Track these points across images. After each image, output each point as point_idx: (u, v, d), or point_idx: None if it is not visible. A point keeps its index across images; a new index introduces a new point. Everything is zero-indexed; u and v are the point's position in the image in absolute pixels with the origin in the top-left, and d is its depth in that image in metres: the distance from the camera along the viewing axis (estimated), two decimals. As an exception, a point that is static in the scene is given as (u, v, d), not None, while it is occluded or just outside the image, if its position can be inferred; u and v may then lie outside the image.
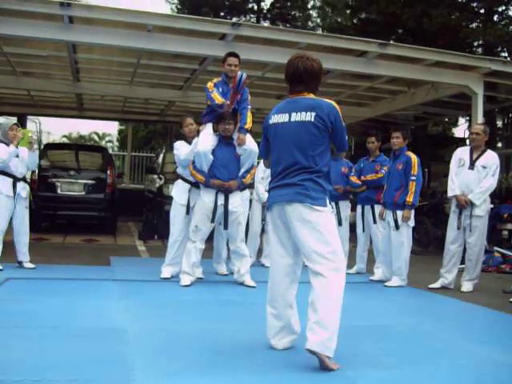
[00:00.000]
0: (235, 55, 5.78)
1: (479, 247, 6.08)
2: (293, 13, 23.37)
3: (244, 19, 22.31)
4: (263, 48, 8.32)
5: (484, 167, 5.98)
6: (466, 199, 5.96)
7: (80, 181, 10.01)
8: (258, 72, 9.77)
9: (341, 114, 3.32)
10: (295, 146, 3.30)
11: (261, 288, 4.57)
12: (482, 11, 16.20)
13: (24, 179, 6.23)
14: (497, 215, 9.08)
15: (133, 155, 17.56)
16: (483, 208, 6.01)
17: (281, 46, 8.17)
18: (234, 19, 19.79)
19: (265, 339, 3.50)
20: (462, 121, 20.16)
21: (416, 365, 3.35)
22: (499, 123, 19.04)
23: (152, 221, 10.09)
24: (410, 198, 6.03)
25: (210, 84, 5.72)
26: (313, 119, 3.26)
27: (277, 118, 3.42)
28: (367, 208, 6.88)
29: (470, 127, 12.52)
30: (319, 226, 3.21)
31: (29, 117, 16.25)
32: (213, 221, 5.62)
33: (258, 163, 6.40)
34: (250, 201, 6.82)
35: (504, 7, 16.16)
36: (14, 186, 6.00)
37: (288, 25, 21.62)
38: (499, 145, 17.38)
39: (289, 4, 23.10)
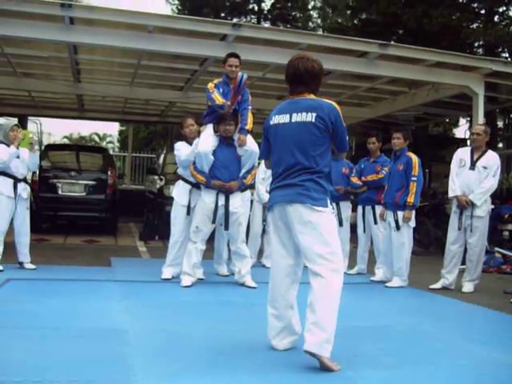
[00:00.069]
0: (236, 56, 5.78)
1: (480, 248, 6.08)
2: (293, 13, 23.38)
3: (245, 20, 22.31)
4: (264, 49, 8.32)
5: (485, 168, 5.98)
6: (467, 200, 5.96)
7: (81, 182, 10.01)
8: (258, 73, 9.77)
9: (341, 114, 3.33)
10: (296, 146, 3.30)
11: (261, 289, 4.57)
12: (483, 12, 16.19)
13: (25, 180, 6.24)
14: (498, 216, 9.08)
15: (133, 156, 17.58)
16: (484, 208, 6.01)
17: (281, 47, 8.18)
18: (235, 20, 19.80)
19: (265, 340, 3.51)
20: (462, 121, 20.18)
21: (416, 365, 3.35)
22: (500, 124, 19.04)
23: (153, 221, 10.09)
24: (410, 199, 6.03)
25: (210, 85, 5.73)
26: (313, 120, 3.26)
27: (277, 119, 3.42)
28: (368, 208, 6.88)
29: (470, 128, 12.53)
30: (320, 226, 3.21)
31: (29, 118, 16.28)
32: (213, 221, 5.62)
33: (259, 164, 6.40)
34: (251, 201, 6.82)
35: (505, 8, 16.16)
36: (15, 187, 6.01)
37: (288, 25, 21.63)
38: (500, 145, 17.37)
39: (289, 5, 23.10)
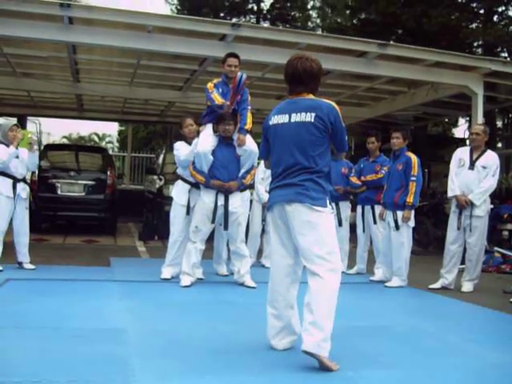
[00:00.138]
0: (235, 56, 5.78)
1: (479, 247, 6.08)
2: (292, 13, 23.37)
3: (244, 20, 22.31)
4: (263, 48, 8.32)
5: (484, 167, 5.98)
6: (466, 199, 5.96)
7: (80, 182, 10.01)
8: (257, 72, 9.77)
9: (340, 114, 3.33)
10: (295, 146, 3.31)
11: (261, 288, 4.57)
12: (482, 11, 16.20)
13: (24, 180, 6.23)
14: (497, 215, 9.08)
15: (133, 156, 17.58)
16: (483, 208, 6.01)
17: (281, 47, 8.17)
18: (234, 20, 19.78)
19: (265, 340, 3.51)
20: (461, 121, 20.18)
21: (416, 365, 3.35)
22: (499, 123, 19.04)
23: (152, 221, 10.08)
24: (410, 199, 6.03)
25: (209, 85, 5.73)
26: (313, 120, 3.26)
27: (277, 119, 3.42)
28: (367, 208, 6.88)
29: (469, 127, 12.52)
30: (318, 226, 3.22)
31: (29, 118, 16.28)
32: (213, 221, 5.62)
33: (259, 164, 6.40)
34: (251, 201, 6.82)
35: (504, 7, 16.17)
36: (14, 187, 6.00)
37: (288, 25, 21.60)
38: (499, 145, 17.37)
39: (288, 4, 23.10)
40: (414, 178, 6.06)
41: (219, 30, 7.92)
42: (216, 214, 5.58)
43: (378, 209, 6.63)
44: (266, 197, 6.00)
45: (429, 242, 9.80)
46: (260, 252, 7.36)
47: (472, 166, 6.02)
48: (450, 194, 6.17)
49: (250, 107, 5.83)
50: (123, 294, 5.09)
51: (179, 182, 5.99)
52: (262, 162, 3.97)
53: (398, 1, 15.60)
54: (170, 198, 6.12)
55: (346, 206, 7.12)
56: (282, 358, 3.31)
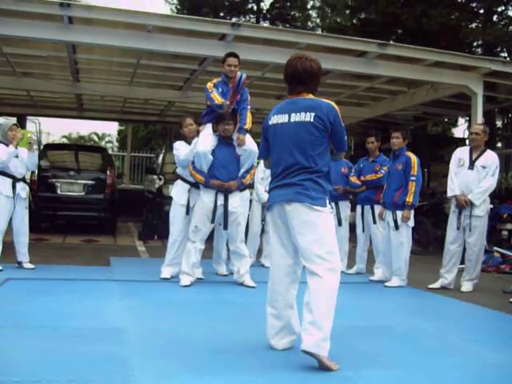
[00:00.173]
0: (235, 55, 5.78)
1: (479, 247, 6.08)
2: (292, 13, 23.37)
3: (244, 19, 22.30)
4: (263, 48, 8.32)
5: (484, 167, 5.98)
6: (466, 199, 5.96)
7: (80, 181, 10.01)
8: (257, 72, 9.77)
9: (340, 114, 3.33)
10: (295, 146, 3.31)
11: (261, 288, 4.57)
12: (482, 11, 16.19)
13: (23, 179, 6.23)
14: (496, 215, 9.08)
15: (132, 156, 17.56)
16: (483, 208, 6.01)
17: (280, 47, 8.17)
18: (234, 19, 19.76)
19: (265, 339, 3.51)
20: (461, 121, 20.18)
21: (416, 365, 3.35)
22: (499, 123, 19.03)
23: (152, 221, 10.08)
24: (409, 199, 6.03)
25: (209, 84, 5.73)
26: (312, 119, 3.26)
27: (276, 119, 3.43)
28: (367, 208, 6.88)
29: (469, 127, 12.51)
30: (318, 225, 3.22)
31: (28, 117, 16.26)
32: (212, 221, 5.62)
33: (258, 163, 6.40)
34: (250, 201, 6.82)
35: (503, 7, 16.16)
36: (14, 187, 6.00)
37: (287, 25, 21.61)
38: (499, 145, 17.37)
39: (288, 4, 23.10)
40: (413, 178, 6.07)
41: (219, 30, 7.92)
42: (216, 213, 5.58)
43: (377, 208, 6.62)
44: (265, 196, 6.01)
45: (428, 241, 9.80)
46: (260, 252, 7.37)
47: (472, 165, 6.03)
48: (449, 193, 6.17)
49: (249, 107, 5.83)
50: (123, 294, 5.09)
51: (179, 181, 5.99)
52: (262, 161, 3.97)
53: (398, 1, 15.60)
54: (170, 198, 6.12)
55: (345, 206, 7.12)
56: (281, 357, 3.31)
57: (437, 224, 9.70)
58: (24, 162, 6.13)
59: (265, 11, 23.17)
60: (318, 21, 25.03)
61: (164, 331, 3.84)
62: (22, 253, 6.16)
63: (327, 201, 3.29)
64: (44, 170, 9.88)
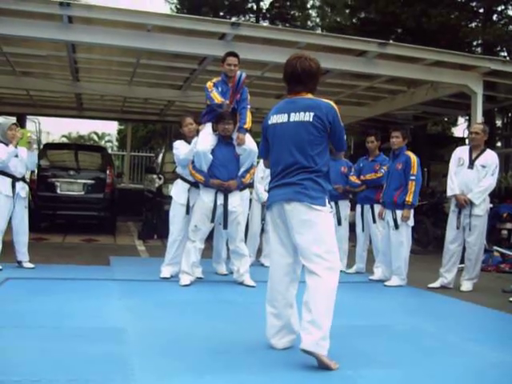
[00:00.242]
0: (234, 55, 5.78)
1: (478, 246, 6.08)
2: (292, 12, 23.37)
3: (243, 19, 22.30)
4: (262, 48, 8.31)
5: (483, 166, 5.98)
6: (466, 198, 5.96)
7: (79, 181, 10.01)
8: (257, 71, 9.76)
9: (339, 114, 3.34)
10: (294, 145, 3.31)
11: (260, 287, 4.57)
12: (482, 11, 16.19)
13: (23, 179, 6.23)
14: (496, 214, 9.08)
15: (132, 155, 17.55)
16: (482, 207, 6.01)
17: (280, 46, 8.17)
18: (234, 19, 19.77)
19: (265, 339, 3.51)
20: (461, 120, 20.18)
21: (415, 364, 3.35)
22: (498, 122, 19.02)
23: (151, 220, 10.08)
24: (409, 198, 6.03)
25: (209, 83, 5.73)
26: (311, 119, 3.27)
27: (276, 119, 3.43)
28: (367, 207, 6.88)
29: (469, 127, 12.51)
30: (317, 225, 3.22)
31: (28, 117, 16.27)
32: (212, 220, 5.62)
33: (258, 163, 6.40)
34: (250, 200, 6.83)
35: (503, 7, 16.15)
36: (13, 186, 6.00)
37: (287, 24, 21.60)
38: (498, 144, 17.37)
39: (288, 4, 23.09)
40: (413, 178, 6.06)
41: (219, 29, 7.92)
42: (215, 213, 5.58)
43: (377, 208, 6.62)
44: (265, 196, 6.01)
45: (428, 241, 9.81)
46: (259, 251, 7.36)
47: (471, 165, 6.02)
48: (449, 193, 6.17)
49: (249, 106, 5.84)
50: (123, 293, 5.09)
51: (178, 181, 5.99)
52: (262, 161, 3.97)
53: (398, 0, 15.59)
54: (170, 197, 6.12)
55: (345, 205, 7.12)
56: (281, 357, 3.31)
57: (436, 223, 9.70)
58: (24, 161, 6.13)
59: (264, 10, 23.17)
60: (317, 20, 25.04)
61: (164, 330, 3.84)
62: (22, 252, 6.16)
63: (326, 200, 3.30)
64: (44, 169, 9.87)
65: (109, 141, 36.48)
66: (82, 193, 10.01)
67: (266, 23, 21.98)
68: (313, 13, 25.27)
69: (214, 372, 3.02)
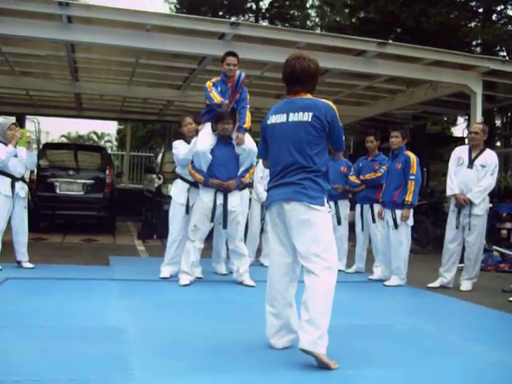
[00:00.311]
0: (234, 54, 5.78)
1: (478, 246, 6.08)
2: (291, 12, 23.37)
3: (243, 18, 22.31)
4: (262, 47, 8.31)
5: (483, 166, 5.98)
6: (465, 198, 5.97)
7: (79, 180, 10.01)
8: (256, 71, 9.76)
9: (338, 114, 3.34)
10: (293, 145, 3.32)
11: (260, 287, 4.57)
12: (481, 10, 16.20)
13: (23, 179, 6.22)
14: (496, 214, 9.09)
15: (132, 155, 17.55)
16: (482, 207, 6.02)
17: (279, 46, 8.17)
18: (233, 19, 19.78)
19: (264, 338, 3.51)
20: (460, 120, 20.20)
21: (415, 364, 3.35)
22: (498, 122, 19.04)
23: (151, 220, 10.09)
24: (408, 198, 6.03)
25: (208, 83, 5.73)
26: (310, 119, 3.28)
27: (275, 119, 3.44)
28: (366, 207, 6.88)
29: (468, 126, 12.53)
30: (316, 224, 3.23)
31: (27, 116, 16.26)
32: (212, 220, 5.62)
33: (257, 163, 6.40)
34: (250, 200, 6.83)
35: (503, 6, 16.16)
36: (13, 186, 6.00)
37: (287, 24, 21.60)
38: (498, 144, 17.39)
39: (287, 3, 23.10)
40: (412, 177, 6.07)
41: (218, 29, 7.92)
42: (215, 212, 5.58)
43: (376, 207, 6.62)
44: (264, 196, 5.99)
45: (428, 240, 9.81)
46: (259, 251, 7.36)
47: (471, 164, 6.02)
48: (448, 192, 6.17)
49: (248, 106, 5.84)
50: (122, 293, 5.09)
51: (178, 180, 5.99)
52: (261, 160, 3.98)
53: (397, 0, 15.60)
54: (169, 197, 6.12)
55: (344, 205, 7.13)
56: (281, 356, 3.31)
57: (436, 223, 9.71)
58: (23, 161, 6.13)
59: (264, 10, 23.18)
60: (317, 20, 25.06)
61: (163, 330, 3.84)
62: (22, 252, 6.15)
63: (325, 200, 3.31)
64: (43, 169, 9.87)
65: (108, 141, 36.50)
66: (82, 193, 10.01)
67: (265, 23, 21.98)
68: (312, 12, 25.33)
69: (214, 372, 3.02)
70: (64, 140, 31.69)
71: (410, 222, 6.15)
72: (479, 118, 9.18)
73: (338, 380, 3.00)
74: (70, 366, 2.97)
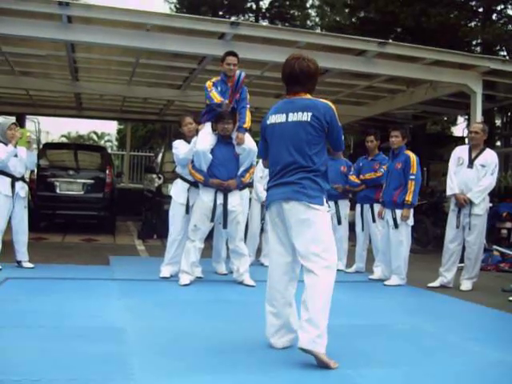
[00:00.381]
0: (234, 54, 5.77)
1: (478, 246, 6.08)
2: (291, 12, 23.37)
3: (243, 18, 22.29)
4: (262, 47, 8.31)
5: (483, 166, 5.98)
6: (465, 198, 5.96)
7: (79, 180, 10.01)
8: (256, 71, 9.76)
9: (336, 113, 3.35)
10: (293, 145, 3.33)
11: (260, 287, 4.57)
12: (481, 10, 16.20)
13: (23, 179, 6.23)
14: (496, 214, 9.09)
15: (132, 154, 17.55)
16: (482, 207, 6.01)
17: (279, 45, 8.17)
18: (233, 18, 19.78)
19: (264, 338, 3.51)
20: (460, 120, 20.18)
21: (415, 363, 3.35)
22: (498, 122, 19.03)
23: (151, 220, 10.09)
24: (409, 197, 6.03)
25: (209, 83, 5.73)
26: (309, 119, 3.29)
27: (274, 119, 3.45)
28: (366, 207, 6.88)
29: (468, 126, 12.52)
30: (315, 224, 3.24)
31: (27, 116, 16.26)
32: (212, 220, 5.62)
33: (257, 162, 6.40)
34: (250, 200, 6.82)
35: (503, 6, 16.16)
36: (13, 186, 6.00)
37: (287, 24, 21.60)
38: (498, 143, 17.38)
39: (287, 3, 23.10)
40: (412, 177, 6.07)
41: (218, 29, 7.91)
42: (215, 212, 5.58)
43: (376, 207, 6.62)
44: (264, 195, 5.99)
45: (428, 240, 9.81)
46: (259, 251, 7.36)
47: (471, 164, 6.02)
48: (448, 192, 6.17)
49: (248, 105, 5.84)
50: (122, 293, 5.09)
51: (178, 180, 5.99)
52: (261, 160, 3.98)
53: (397, -1, 15.61)
54: (169, 197, 6.12)
55: (345, 205, 7.13)
56: (281, 356, 3.31)
57: (436, 223, 9.70)
58: (23, 161, 6.13)
59: (264, 10, 23.18)
60: (317, 19, 25.06)
61: (163, 330, 3.84)
62: (22, 252, 6.15)
63: (324, 199, 3.32)
64: (43, 169, 9.88)
65: (108, 140, 36.48)
66: (82, 192, 10.02)
67: (265, 23, 21.98)
68: (312, 12, 25.33)
69: (214, 371, 3.02)
70: (64, 140, 31.68)
71: (410, 221, 6.15)
72: (479, 117, 9.18)
73: (337, 380, 3.00)
74: (70, 366, 2.97)
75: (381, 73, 9.43)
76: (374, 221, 6.72)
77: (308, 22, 24.14)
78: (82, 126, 61.96)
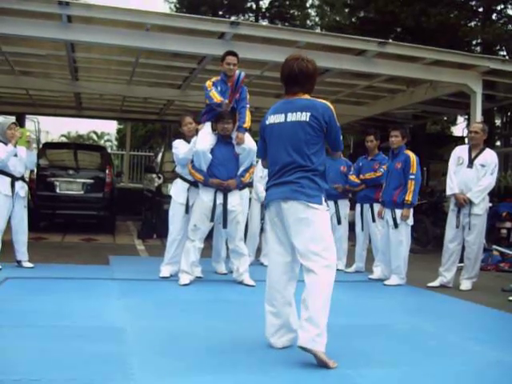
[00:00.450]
0: (234, 54, 5.78)
1: (478, 246, 6.08)
2: (291, 11, 23.38)
3: (242, 18, 22.29)
4: (262, 47, 8.31)
5: (483, 166, 5.98)
6: (465, 198, 5.97)
7: (79, 180, 10.01)
8: (256, 71, 9.75)
9: (335, 113, 3.37)
10: (291, 145, 3.34)
11: (260, 287, 4.56)
12: (481, 10, 16.21)
13: (22, 178, 6.23)
14: (495, 214, 9.09)
15: (131, 154, 17.55)
16: (482, 206, 6.02)
17: (279, 45, 8.17)
18: (233, 18, 19.78)
19: (264, 338, 3.51)
20: (460, 119, 20.18)
21: (415, 363, 3.35)
22: (498, 122, 19.04)
23: (151, 220, 10.09)
24: (408, 197, 6.03)
25: (208, 83, 5.73)
26: (308, 119, 3.30)
27: (273, 119, 3.46)
28: (366, 207, 6.88)
29: (468, 126, 12.52)
30: (314, 223, 3.25)
31: (27, 116, 16.26)
32: (212, 220, 5.62)
33: (257, 162, 6.40)
34: (250, 200, 6.82)
35: (503, 6, 16.17)
36: (13, 186, 6.00)
37: (286, 23, 21.61)
38: (498, 143, 17.39)
39: (287, 3, 23.11)
40: (412, 177, 6.07)
41: (218, 28, 7.91)
42: (215, 212, 5.58)
43: (376, 207, 6.62)
44: (264, 195, 6.00)
45: (427, 240, 9.81)
46: (259, 250, 7.36)
47: (471, 164, 6.02)
48: (448, 192, 6.17)
49: (248, 105, 5.84)
50: (122, 293, 5.09)
51: (178, 180, 5.99)
52: (260, 160, 3.99)
53: (397, -1, 15.61)
54: (169, 197, 6.12)
55: (344, 205, 7.13)
56: (280, 356, 3.31)
57: (436, 222, 9.71)
58: (23, 160, 6.13)
59: (264, 10, 23.19)
60: (317, 19, 25.07)
61: (163, 330, 3.84)
62: (21, 252, 6.15)
63: (323, 199, 3.32)
64: (43, 168, 9.88)
65: (108, 140, 36.46)
66: (82, 192, 10.02)
67: (265, 22, 21.98)
68: (312, 12, 25.34)
69: (214, 371, 3.02)
70: (64, 139, 31.66)
71: (410, 221, 6.15)
72: (479, 117, 9.18)
73: (337, 379, 3.00)
74: (70, 366, 2.97)
75: (381, 72, 9.43)
76: (373, 220, 6.73)
77: (308, 22, 24.15)
78: (81, 126, 62.05)
